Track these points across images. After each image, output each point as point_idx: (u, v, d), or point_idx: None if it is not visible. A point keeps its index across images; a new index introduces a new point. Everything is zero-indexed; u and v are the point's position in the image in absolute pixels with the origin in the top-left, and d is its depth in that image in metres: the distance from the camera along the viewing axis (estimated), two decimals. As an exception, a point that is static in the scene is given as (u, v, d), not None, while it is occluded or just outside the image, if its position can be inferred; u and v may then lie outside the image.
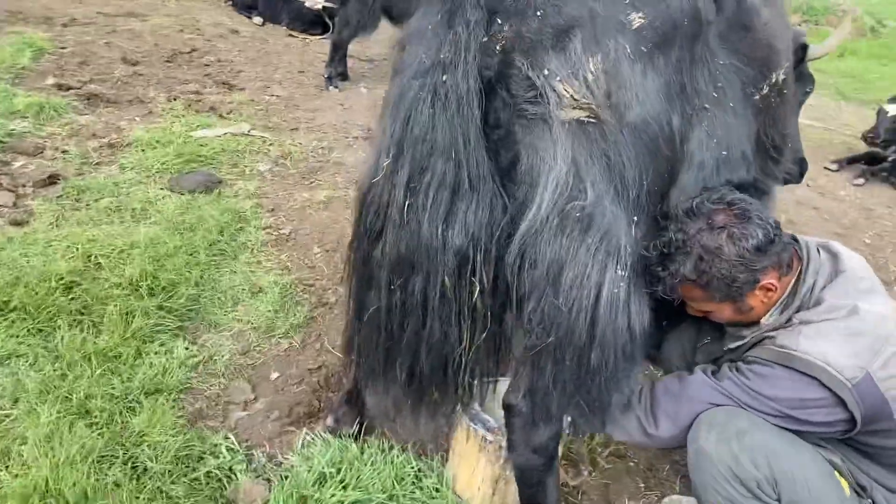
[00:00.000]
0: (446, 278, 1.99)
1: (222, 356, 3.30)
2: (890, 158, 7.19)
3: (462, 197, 1.95)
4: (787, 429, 2.02)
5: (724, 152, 2.30)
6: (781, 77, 2.48)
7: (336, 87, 7.32)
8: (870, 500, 2.03)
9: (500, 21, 1.92)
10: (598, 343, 2.02)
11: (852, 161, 7.52)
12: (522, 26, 1.91)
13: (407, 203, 1.97)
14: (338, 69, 7.45)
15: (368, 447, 2.78)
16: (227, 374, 3.23)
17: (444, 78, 1.90)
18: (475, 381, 2.15)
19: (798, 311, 2.06)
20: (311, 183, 5.25)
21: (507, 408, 2.20)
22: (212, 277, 3.83)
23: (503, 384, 2.34)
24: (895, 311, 2.07)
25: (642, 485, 2.94)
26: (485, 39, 1.91)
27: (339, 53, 7.41)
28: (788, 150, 2.67)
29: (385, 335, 2.10)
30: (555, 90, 1.87)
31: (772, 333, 2.06)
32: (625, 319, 2.02)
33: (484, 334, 2.07)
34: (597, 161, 1.97)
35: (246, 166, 5.25)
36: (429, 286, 2.00)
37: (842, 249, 2.17)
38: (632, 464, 3.06)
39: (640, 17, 2.00)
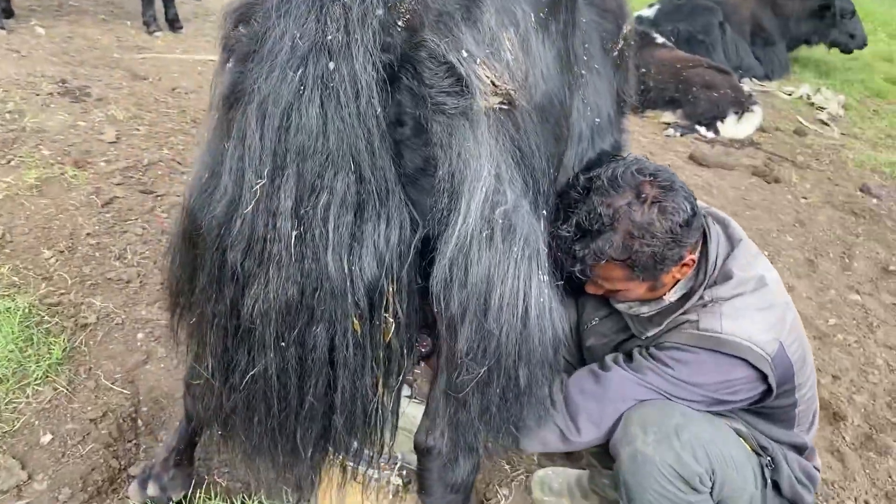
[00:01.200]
0: (356, 321, 1.57)
1: (-36, 429, 2.44)
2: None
3: (368, 218, 1.53)
4: (709, 410, 1.99)
5: (597, 119, 2.14)
6: (629, 28, 2.35)
7: (2, 27, 5.81)
8: (769, 458, 2.10)
9: (398, -13, 1.47)
10: (525, 361, 1.77)
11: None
12: (427, -7, 1.48)
13: (295, 234, 1.49)
14: (0, 4, 5.91)
15: (211, 509, 2.26)
16: (-19, 452, 2.40)
17: (332, 66, 1.42)
18: (391, 429, 1.78)
19: (706, 286, 2.00)
20: (10, 161, 4.11)
21: (425, 451, 1.87)
22: (-88, 318, 2.80)
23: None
24: None
25: (507, 466, 2.81)
26: (381, 13, 1.45)
27: (-3, -14, 5.88)
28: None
29: (278, 404, 1.62)
30: (477, 76, 1.50)
31: (691, 316, 1.98)
32: (551, 329, 1.79)
33: (402, 376, 1.71)
34: (511, 155, 1.67)
35: None
36: (336, 335, 1.56)
37: (724, 215, 2.15)
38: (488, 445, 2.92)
39: (536, -24, 1.69)
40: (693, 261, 1.99)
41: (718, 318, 1.92)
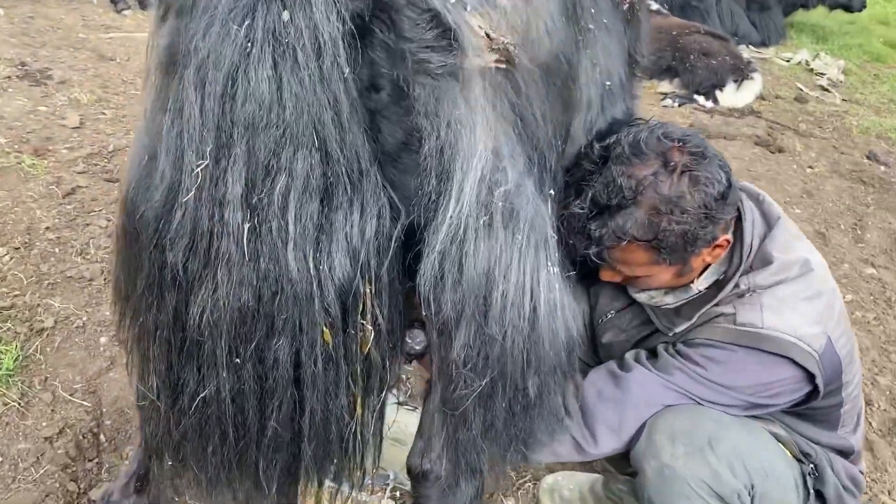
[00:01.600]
0: (326, 331, 1.29)
1: None
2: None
3: (338, 206, 1.25)
4: (744, 415, 1.73)
5: (608, 82, 1.85)
6: (641, -23, 2.06)
7: (-44, 9, 5.48)
8: (812, 465, 1.85)
9: (365, -85, 1.18)
10: (535, 369, 1.50)
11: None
12: (401, -77, 1.19)
13: (248, 227, 1.20)
14: (-46, -15, 5.58)
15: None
16: (-82, 480, 2.12)
17: (286, 17, 1.13)
18: (373, 453, 1.51)
19: (742, 273, 1.73)
20: (-38, 151, 3.80)
21: (421, 476, 1.61)
22: None
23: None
24: None
25: (512, 473, 2.56)
26: (346, -51, 1.16)
27: (-50, -38, 5.52)
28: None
29: (235, 432, 1.35)
30: (469, 26, 1.21)
31: (726, 309, 1.71)
32: (564, 329, 1.53)
33: (384, 391, 1.43)
34: (511, 125, 1.40)
35: None
36: (302, 348, 1.29)
37: (757, 190, 1.87)
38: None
39: None
40: (727, 241, 1.70)
41: (759, 311, 1.65)
